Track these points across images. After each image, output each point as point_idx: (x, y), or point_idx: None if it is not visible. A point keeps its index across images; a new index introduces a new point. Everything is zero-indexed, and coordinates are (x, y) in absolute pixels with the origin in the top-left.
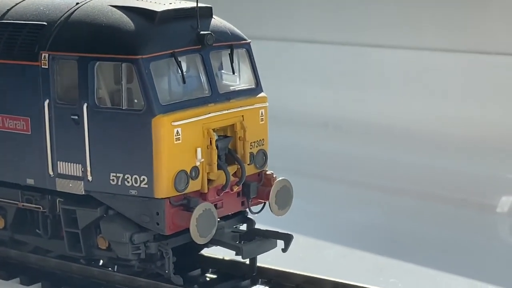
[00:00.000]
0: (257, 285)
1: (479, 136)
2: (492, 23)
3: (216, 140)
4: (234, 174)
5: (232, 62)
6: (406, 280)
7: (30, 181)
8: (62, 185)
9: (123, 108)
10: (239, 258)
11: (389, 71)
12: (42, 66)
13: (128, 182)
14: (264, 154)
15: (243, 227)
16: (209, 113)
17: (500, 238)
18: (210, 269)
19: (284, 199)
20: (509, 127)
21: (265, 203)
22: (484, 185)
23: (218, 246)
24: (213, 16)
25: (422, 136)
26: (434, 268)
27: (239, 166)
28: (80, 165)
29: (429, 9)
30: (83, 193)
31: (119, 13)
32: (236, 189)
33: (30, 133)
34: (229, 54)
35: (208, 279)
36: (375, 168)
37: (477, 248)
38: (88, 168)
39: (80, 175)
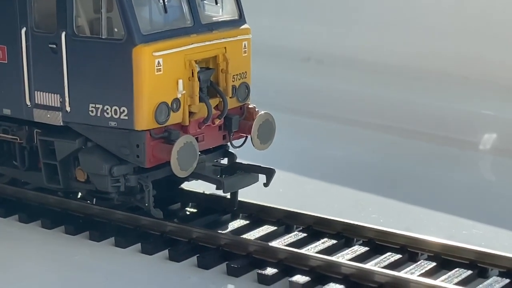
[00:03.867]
0: (238, 220)
1: (464, 73)
2: None
3: (198, 72)
4: (216, 107)
5: None
6: (387, 215)
7: (7, 111)
8: (40, 116)
9: (103, 37)
10: (220, 192)
11: (373, 6)
12: None
13: (108, 113)
14: (246, 87)
15: (225, 161)
16: (191, 44)
17: (481, 175)
18: (191, 203)
19: (266, 134)
20: (496, 64)
21: (247, 137)
22: (467, 122)
23: (199, 180)
24: None
25: (404, 72)
26: (415, 204)
27: (221, 99)
28: (58, 95)
29: None
30: (61, 124)
31: None
32: (217, 122)
33: (6, 62)
34: None
35: (188, 213)
36: (357, 104)
37: (459, 184)
38: (67, 99)
39: (58, 105)
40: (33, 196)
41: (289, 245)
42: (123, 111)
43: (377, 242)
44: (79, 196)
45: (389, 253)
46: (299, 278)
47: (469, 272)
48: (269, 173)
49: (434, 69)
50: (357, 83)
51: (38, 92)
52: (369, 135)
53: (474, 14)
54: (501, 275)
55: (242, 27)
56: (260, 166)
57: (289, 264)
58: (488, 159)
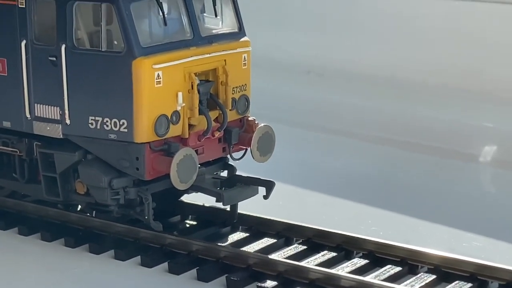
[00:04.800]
0: (238, 232)
1: (464, 86)
2: None
3: (198, 85)
4: (216, 120)
5: (214, 5)
6: (387, 228)
7: (7, 124)
8: (40, 128)
9: (103, 50)
10: (219, 205)
11: (372, 19)
12: (19, 6)
13: (107, 126)
14: (246, 99)
15: (224, 173)
16: (191, 57)
17: (482, 188)
18: (190, 216)
19: (266, 146)
20: (496, 77)
21: (246, 149)
22: (467, 134)
23: (199, 193)
24: None
25: (404, 85)
26: (415, 216)
27: (221, 112)
28: (58, 108)
29: None
30: (61, 136)
31: None
32: (217, 134)
33: (6, 74)
34: None
35: (188, 225)
36: (357, 117)
37: (459, 197)
38: (66, 111)
39: (58, 118)
40: (33, 208)
41: (289, 257)
42: (123, 123)
43: (377, 255)
44: (78, 209)
45: (389, 266)
46: None
47: (469, 285)
48: (269, 185)
49: (434, 82)
50: (357, 96)
51: (38, 105)
52: (369, 148)
53: (474, 28)
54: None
55: (242, 39)
56: (259, 178)
57: (289, 277)
58: (489, 171)
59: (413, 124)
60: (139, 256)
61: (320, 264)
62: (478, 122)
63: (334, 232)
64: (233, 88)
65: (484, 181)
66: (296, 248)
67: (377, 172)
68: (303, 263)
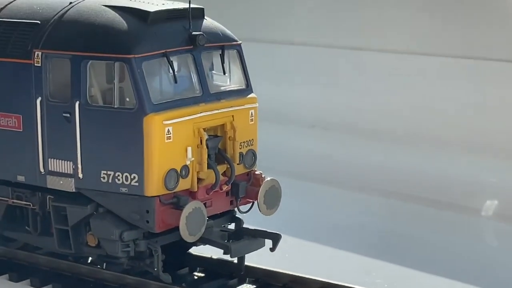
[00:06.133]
0: (245, 284)
1: (466, 140)
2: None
3: (207, 140)
4: (224, 174)
5: (223, 62)
6: (392, 281)
7: (21, 178)
8: (53, 182)
9: (115, 106)
10: (227, 257)
11: (378, 74)
12: (35, 64)
13: (119, 179)
14: (253, 154)
15: (232, 226)
16: (200, 113)
17: (484, 241)
18: (198, 268)
19: (273, 199)
20: (496, 131)
21: (253, 202)
22: (470, 189)
23: (207, 245)
24: (205, 17)
25: (408, 138)
26: (419, 269)
27: (229, 166)
28: (71, 162)
29: (417, 14)
30: (74, 190)
31: (112, 12)
32: (225, 188)
33: (22, 130)
34: (220, 54)
35: (196, 277)
36: (362, 170)
37: (462, 250)
38: (79, 166)
39: (71, 172)
40: (45, 261)
41: None
42: (134, 177)
43: None
44: (89, 261)
45: None
46: None
47: None
48: (275, 238)
49: (437, 136)
50: (361, 149)
51: (52, 159)
52: (373, 201)
53: (482, 83)
54: None
55: (249, 96)
56: (266, 231)
57: None
58: (491, 225)
59: (417, 177)
60: None
61: None
62: (480, 176)
63: (340, 285)
64: (241, 143)
65: (486, 235)
66: None
67: (382, 225)
68: None
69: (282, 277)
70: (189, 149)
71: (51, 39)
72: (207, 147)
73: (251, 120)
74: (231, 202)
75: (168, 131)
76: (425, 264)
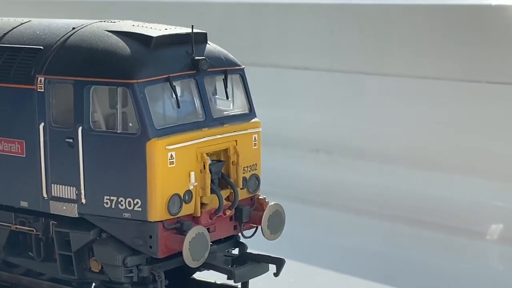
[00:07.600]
0: None
1: (470, 164)
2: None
3: (210, 164)
4: (227, 198)
5: (226, 87)
6: None
7: (24, 204)
8: (56, 208)
9: (118, 131)
10: (231, 282)
11: (382, 98)
12: (38, 90)
13: (122, 205)
14: (256, 178)
15: (235, 251)
16: (203, 138)
17: (489, 266)
18: None
19: (276, 224)
20: (499, 155)
21: (257, 227)
22: (474, 212)
23: (210, 270)
24: (208, 42)
25: (413, 163)
26: None
27: (232, 190)
28: (74, 188)
29: (424, 38)
30: (77, 216)
31: (115, 38)
32: (228, 213)
33: (25, 156)
34: (223, 79)
35: None
36: (367, 195)
37: (467, 275)
38: (82, 191)
39: (74, 198)
40: (48, 286)
41: None
42: (137, 202)
43: None
44: (92, 287)
45: None
46: None
47: None
48: (279, 263)
49: (441, 161)
50: (365, 174)
51: (55, 185)
52: (377, 225)
53: (489, 107)
54: None
55: (252, 120)
56: (270, 256)
57: None
58: (496, 249)
59: (420, 201)
60: None
61: None
62: (484, 200)
63: None
64: (244, 167)
65: (491, 259)
66: None
67: (386, 250)
68: None
69: None
70: (192, 174)
71: (54, 64)
72: (210, 172)
73: (255, 144)
74: (235, 227)
75: (171, 156)
76: None
